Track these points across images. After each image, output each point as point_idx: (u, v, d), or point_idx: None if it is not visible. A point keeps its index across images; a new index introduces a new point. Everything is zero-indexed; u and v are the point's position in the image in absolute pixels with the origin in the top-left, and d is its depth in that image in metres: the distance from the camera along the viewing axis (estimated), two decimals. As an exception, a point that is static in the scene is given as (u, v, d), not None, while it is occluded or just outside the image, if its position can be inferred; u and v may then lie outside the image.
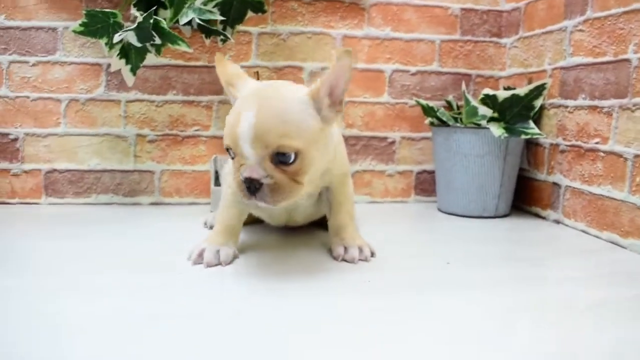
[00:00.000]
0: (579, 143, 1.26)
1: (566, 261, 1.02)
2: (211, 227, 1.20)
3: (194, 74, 1.47)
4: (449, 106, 1.55)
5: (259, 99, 0.84)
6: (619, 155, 1.13)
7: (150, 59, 1.27)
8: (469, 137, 1.35)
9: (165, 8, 1.25)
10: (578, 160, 1.26)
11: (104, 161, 1.46)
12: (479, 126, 1.35)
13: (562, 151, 1.32)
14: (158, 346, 0.62)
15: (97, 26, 1.22)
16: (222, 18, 1.30)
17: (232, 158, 0.88)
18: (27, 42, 1.41)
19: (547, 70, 1.39)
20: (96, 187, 1.46)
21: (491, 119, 1.34)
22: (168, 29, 1.20)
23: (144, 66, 1.39)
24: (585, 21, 1.24)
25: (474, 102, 1.36)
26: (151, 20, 1.16)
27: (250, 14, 1.36)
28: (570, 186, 1.29)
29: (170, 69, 1.46)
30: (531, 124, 1.33)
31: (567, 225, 1.29)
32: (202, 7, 1.24)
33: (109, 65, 1.43)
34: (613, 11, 1.16)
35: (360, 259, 0.98)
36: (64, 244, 1.06)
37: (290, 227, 1.19)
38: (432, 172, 1.59)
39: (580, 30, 1.26)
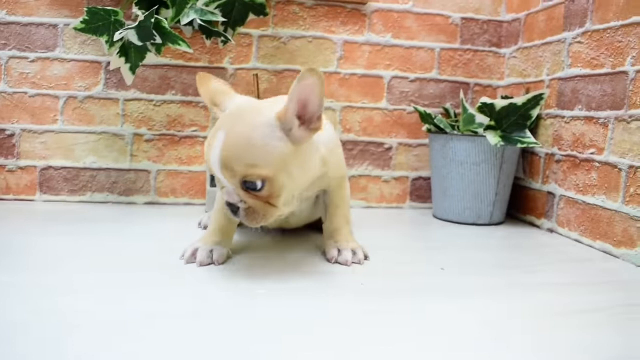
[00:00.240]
0: (574, 153, 1.26)
1: (559, 269, 1.03)
2: (205, 228, 1.20)
3: (194, 75, 1.47)
4: (446, 114, 1.56)
5: (227, 126, 0.83)
6: (614, 166, 1.14)
7: (150, 58, 1.27)
8: (465, 144, 1.36)
9: (167, 8, 1.25)
10: (573, 170, 1.26)
11: (100, 159, 1.46)
12: (475, 134, 1.36)
13: (558, 161, 1.32)
14: (150, 344, 0.62)
15: (98, 24, 1.22)
16: (224, 20, 1.30)
17: None
18: (27, 38, 1.41)
19: (545, 80, 1.40)
20: (92, 186, 1.46)
21: (488, 128, 1.35)
22: (169, 29, 1.20)
23: (143, 65, 1.40)
24: (584, 33, 1.25)
25: (472, 110, 1.36)
26: (152, 20, 1.17)
27: (251, 16, 1.37)
28: (564, 196, 1.29)
29: (170, 69, 1.47)
30: (528, 133, 1.34)
31: (560, 235, 1.30)
32: (204, 8, 1.24)
33: (108, 64, 1.43)
34: (612, 24, 1.17)
35: (353, 262, 0.98)
36: (58, 242, 1.06)
37: (285, 229, 1.19)
38: (428, 179, 1.60)
39: (579, 42, 1.27)
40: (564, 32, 1.33)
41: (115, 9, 1.21)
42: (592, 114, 1.21)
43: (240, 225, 1.13)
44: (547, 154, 1.37)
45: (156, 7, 1.21)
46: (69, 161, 1.45)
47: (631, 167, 1.09)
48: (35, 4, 1.40)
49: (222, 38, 1.33)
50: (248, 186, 0.82)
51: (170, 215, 1.36)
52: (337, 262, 0.99)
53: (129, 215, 1.34)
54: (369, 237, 1.16)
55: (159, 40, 1.21)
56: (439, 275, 0.95)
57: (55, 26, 1.42)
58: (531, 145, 1.33)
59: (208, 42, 1.37)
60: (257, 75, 1.36)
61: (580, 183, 1.24)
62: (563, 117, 1.31)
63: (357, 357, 0.61)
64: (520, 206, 1.49)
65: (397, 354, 0.63)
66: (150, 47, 1.25)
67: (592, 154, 1.21)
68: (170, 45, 1.23)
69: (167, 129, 1.47)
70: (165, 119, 1.47)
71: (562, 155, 1.31)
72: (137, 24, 1.17)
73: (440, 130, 1.42)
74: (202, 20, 1.25)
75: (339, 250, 1.00)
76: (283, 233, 1.19)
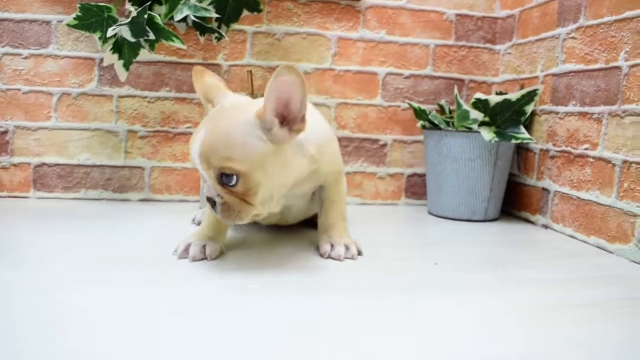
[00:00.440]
0: (568, 149, 1.26)
1: (553, 265, 1.02)
2: (199, 224, 1.20)
3: (188, 71, 1.47)
4: (441, 110, 1.55)
5: (210, 121, 0.85)
6: (608, 161, 1.14)
7: (144, 55, 1.27)
8: (460, 140, 1.36)
9: (160, 4, 1.25)
10: (567, 166, 1.26)
11: (94, 156, 1.45)
12: (470, 130, 1.36)
13: (552, 157, 1.32)
14: (143, 339, 0.62)
15: (91, 20, 1.22)
16: (217, 16, 1.30)
17: None
18: (20, 35, 1.41)
19: (539, 76, 1.40)
20: (85, 182, 1.46)
21: (482, 123, 1.35)
22: (162, 25, 1.20)
23: (137, 62, 1.39)
24: (577, 29, 1.25)
25: (466, 106, 1.36)
26: (145, 16, 1.16)
27: (245, 12, 1.36)
28: (559, 191, 1.29)
29: (164, 65, 1.46)
30: (522, 129, 1.34)
31: (555, 230, 1.30)
32: (197, 4, 1.24)
33: (102, 60, 1.42)
34: (605, 19, 1.17)
35: (346, 257, 0.98)
36: (51, 238, 1.05)
37: (281, 226, 1.19)
38: (422, 176, 1.60)
39: (573, 38, 1.27)
40: (558, 27, 1.33)
41: (108, 5, 1.21)
42: (585, 109, 1.21)
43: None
44: (541, 150, 1.37)
45: (149, 3, 1.21)
46: (62, 158, 1.44)
47: (625, 162, 1.09)
48: (28, 0, 1.40)
49: (216, 34, 1.32)
50: (224, 181, 0.83)
51: (164, 212, 1.36)
52: (329, 257, 0.98)
53: (123, 212, 1.34)
54: (363, 233, 1.16)
55: (152, 36, 1.20)
56: (433, 271, 0.95)
57: (48, 22, 1.41)
58: (525, 141, 1.33)
59: (202, 39, 1.36)
60: (251, 71, 1.36)
61: (575, 178, 1.24)
62: (557, 113, 1.31)
63: (351, 352, 0.61)
64: (514, 202, 1.49)
65: (391, 349, 0.63)
66: (143, 43, 1.25)
67: (586, 149, 1.21)
68: (164, 41, 1.22)
69: (161, 125, 1.47)
70: (159, 116, 1.47)
71: (557, 151, 1.31)
72: (130, 19, 1.17)
73: (435, 126, 1.42)
74: (195, 16, 1.25)
75: (332, 245, 0.99)
76: (278, 229, 1.19)
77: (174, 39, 1.21)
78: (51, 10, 1.41)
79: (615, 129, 1.12)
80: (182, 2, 1.23)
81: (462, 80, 1.60)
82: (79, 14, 1.20)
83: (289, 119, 0.85)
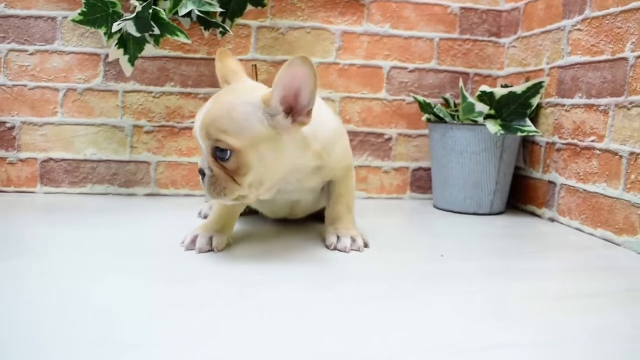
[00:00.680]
0: (574, 141, 1.26)
1: (560, 256, 1.02)
2: (205, 217, 1.20)
3: (192, 66, 1.47)
4: (446, 104, 1.55)
5: (218, 96, 0.87)
6: (614, 153, 1.13)
7: (149, 50, 1.27)
8: (465, 133, 1.36)
9: (164, -2, 1.25)
10: (574, 159, 1.26)
11: (100, 151, 1.46)
12: (475, 123, 1.35)
13: (558, 149, 1.32)
14: (149, 331, 0.62)
15: (96, 15, 1.22)
16: (222, 10, 1.30)
17: None
18: (26, 31, 1.41)
19: (544, 69, 1.39)
20: (92, 177, 1.46)
21: (488, 116, 1.34)
22: (167, 20, 1.20)
23: (142, 57, 1.39)
24: (583, 20, 1.25)
25: (471, 99, 1.36)
26: (150, 11, 1.17)
27: (249, 7, 1.37)
28: (565, 184, 1.29)
29: (169, 60, 1.46)
30: (528, 121, 1.34)
31: (561, 223, 1.30)
32: (201, -2, 1.24)
33: (107, 56, 1.43)
34: (611, 10, 1.16)
35: (352, 249, 0.98)
36: (58, 232, 1.06)
37: (289, 219, 1.19)
38: (428, 169, 1.60)
39: (579, 30, 1.26)
40: (563, 19, 1.32)
41: (113, 0, 1.21)
42: (592, 101, 1.21)
43: (242, 214, 1.13)
44: (547, 143, 1.37)
45: (154, -3, 1.21)
46: (69, 153, 1.45)
47: (632, 153, 1.09)
48: (34, -4, 1.40)
49: (220, 29, 1.33)
50: (218, 154, 0.84)
51: (170, 206, 1.36)
52: (335, 248, 0.98)
53: (129, 206, 1.34)
54: (369, 227, 1.16)
55: (157, 31, 1.21)
56: (439, 262, 0.95)
57: (53, 19, 1.42)
58: (531, 134, 1.32)
59: (206, 33, 1.37)
60: (255, 65, 1.36)
61: (581, 171, 1.24)
62: (563, 105, 1.31)
63: (359, 341, 0.61)
64: (520, 196, 1.49)
65: (398, 336, 0.63)
66: (148, 38, 1.25)
67: (592, 141, 1.20)
68: (169, 36, 1.23)
69: (166, 120, 1.47)
70: (164, 111, 1.47)
71: (563, 144, 1.30)
72: (135, 15, 1.17)
73: (440, 120, 1.42)
74: (199, 11, 1.25)
75: (338, 237, 0.99)
76: (285, 222, 1.19)
77: (178, 33, 1.22)
78: (56, 7, 1.41)
79: (622, 121, 1.12)
80: (186, -4, 1.23)
81: (466, 74, 1.60)
82: (84, 9, 1.21)
83: (295, 110, 0.85)
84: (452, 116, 1.43)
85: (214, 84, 1.47)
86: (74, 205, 1.32)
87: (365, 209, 1.42)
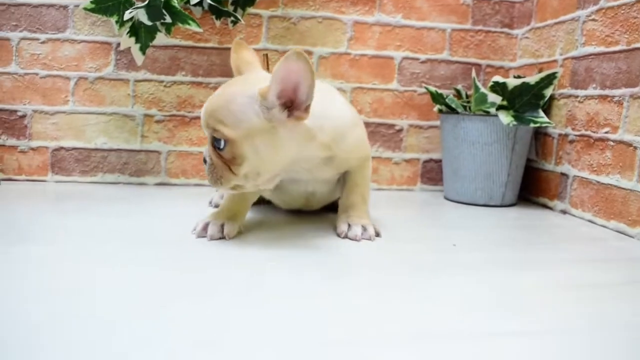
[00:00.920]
0: (588, 133, 1.25)
1: (572, 248, 1.02)
2: (216, 206, 1.21)
3: (204, 56, 1.47)
4: (457, 95, 1.54)
5: (223, 88, 0.90)
6: (629, 145, 1.12)
7: (160, 39, 1.27)
8: (477, 124, 1.35)
9: (176, -14, 1.25)
10: (587, 150, 1.25)
11: (111, 140, 1.46)
12: (487, 114, 1.34)
13: (571, 141, 1.31)
14: (161, 319, 0.62)
15: (108, 4, 1.22)
16: (233, -1, 1.30)
17: None
18: (37, 19, 1.41)
19: (558, 60, 1.38)
20: (102, 166, 1.47)
21: (500, 107, 1.33)
22: (179, 8, 1.20)
23: (153, 46, 1.39)
24: (598, 10, 1.23)
25: (484, 90, 1.35)
26: (162, -2, 1.16)
27: (261, -4, 1.36)
28: (578, 176, 1.28)
29: (180, 49, 1.46)
30: (540, 112, 1.33)
31: (574, 215, 1.29)
32: (213, -14, 1.23)
33: (118, 45, 1.43)
34: (627, 0, 1.15)
35: (364, 238, 0.98)
36: (69, 221, 1.06)
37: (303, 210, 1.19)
38: (438, 161, 1.59)
39: (593, 20, 1.25)
40: (578, 10, 1.31)
41: (125, -12, 1.21)
42: (606, 92, 1.20)
43: (256, 204, 1.13)
44: (560, 135, 1.36)
45: (166, -15, 1.20)
46: (80, 142, 1.45)
47: (646, 144, 1.08)
48: (46, -16, 1.41)
49: (232, 18, 1.32)
50: (215, 143, 0.86)
51: (180, 196, 1.36)
52: (346, 236, 0.98)
53: (140, 195, 1.34)
54: (380, 218, 1.16)
55: (168, 19, 1.20)
56: (451, 252, 0.94)
57: (65, 7, 1.42)
58: (544, 125, 1.31)
59: (218, 23, 1.36)
60: (267, 55, 1.35)
61: (594, 163, 1.22)
62: (576, 97, 1.30)
63: (371, 329, 0.61)
64: (532, 188, 1.48)
65: (409, 323, 0.62)
66: (160, 26, 1.25)
67: (606, 132, 1.19)
68: (180, 24, 1.22)
69: (177, 109, 1.47)
70: (175, 100, 1.47)
71: (576, 135, 1.29)
72: (146, 3, 1.17)
73: (452, 110, 1.41)
74: (211, 0, 1.25)
75: (349, 225, 0.99)
76: (298, 212, 1.18)
77: (190, 22, 1.21)
78: (68, -5, 1.41)
79: (636, 112, 1.11)
80: (198, -15, 1.23)
81: (479, 65, 1.59)
82: (96, -3, 1.20)
83: (294, 105, 0.85)
84: (464, 107, 1.42)
85: (225, 73, 1.47)
86: (85, 194, 1.32)
87: (375, 200, 1.41)
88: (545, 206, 1.41)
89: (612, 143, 1.17)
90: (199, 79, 1.48)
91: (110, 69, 1.45)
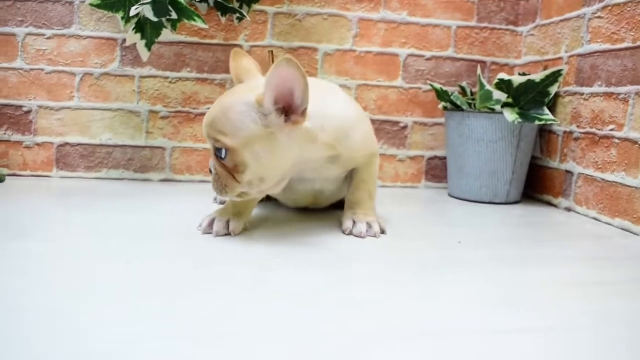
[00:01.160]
0: (593, 130, 1.25)
1: (577, 245, 1.02)
2: (221, 203, 1.21)
3: (209, 52, 1.47)
4: (462, 92, 1.54)
5: (222, 97, 0.91)
6: (634, 142, 1.12)
7: (166, 35, 1.27)
8: (482, 122, 1.35)
9: (182, -18, 1.25)
10: (592, 148, 1.25)
11: (115, 136, 1.47)
12: (492, 111, 1.34)
13: (576, 138, 1.31)
14: (166, 315, 0.63)
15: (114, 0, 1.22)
16: (238, -5, 1.30)
17: None
18: (43, 15, 1.41)
19: (563, 57, 1.38)
20: (107, 162, 1.47)
21: (505, 104, 1.33)
22: (184, 4, 1.20)
23: (158, 42, 1.40)
24: (604, 8, 1.23)
25: (489, 87, 1.35)
26: (168, -6, 1.16)
27: (266, -8, 1.36)
28: (582, 173, 1.28)
29: (185, 46, 1.46)
30: (545, 110, 1.32)
31: (578, 213, 1.29)
32: (218, -18, 1.24)
33: (124, 40, 1.43)
34: (633, -3, 1.14)
35: (369, 235, 0.98)
36: (74, 216, 1.07)
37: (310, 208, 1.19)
38: (443, 158, 1.59)
39: (599, 17, 1.25)
40: (583, 7, 1.30)
41: (131, -16, 1.21)
42: (611, 89, 1.19)
43: (262, 201, 1.13)
44: (564, 132, 1.36)
45: (171, -19, 1.20)
46: (85, 137, 1.46)
47: (651, 142, 1.08)
48: (51, -20, 1.41)
49: (237, 14, 1.32)
50: (217, 153, 0.87)
51: (185, 192, 1.36)
52: (351, 233, 0.98)
53: (144, 191, 1.34)
54: (384, 214, 1.16)
55: (174, 15, 1.21)
56: (457, 249, 0.94)
57: (71, 3, 1.42)
58: (549, 122, 1.31)
59: (223, 19, 1.36)
60: (272, 51, 1.35)
61: (599, 160, 1.22)
62: (582, 94, 1.29)
63: (377, 324, 0.61)
64: (536, 185, 1.48)
65: (414, 319, 0.63)
66: (165, 22, 1.25)
67: (611, 130, 1.19)
68: (186, 21, 1.22)
69: (182, 105, 1.48)
70: (180, 96, 1.47)
71: (581, 133, 1.29)
72: (152, -2, 1.17)
73: (457, 108, 1.41)
74: (217, -5, 1.25)
75: (354, 222, 0.99)
76: (304, 209, 1.18)
77: (196, 18, 1.21)
78: (74, -10, 1.42)
79: (642, 109, 1.11)
80: (204, -19, 1.23)
81: (484, 62, 1.58)
82: (102, -8, 1.21)
83: (291, 109, 0.86)
84: (469, 104, 1.42)
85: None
86: (89, 190, 1.32)
87: (380, 197, 1.41)
88: (549, 204, 1.41)
89: (617, 140, 1.17)
90: (204, 75, 1.48)
91: (115, 64, 1.45)
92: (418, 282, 0.76)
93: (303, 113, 0.85)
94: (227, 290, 0.69)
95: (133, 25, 1.24)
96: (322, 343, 0.55)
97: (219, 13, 1.35)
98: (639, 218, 1.10)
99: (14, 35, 1.41)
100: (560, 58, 1.39)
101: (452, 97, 1.41)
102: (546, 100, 1.33)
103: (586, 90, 1.28)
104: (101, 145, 1.46)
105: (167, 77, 1.47)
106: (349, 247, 0.92)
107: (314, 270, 0.79)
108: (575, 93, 1.32)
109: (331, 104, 0.96)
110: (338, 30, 1.51)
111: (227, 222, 0.95)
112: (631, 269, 0.87)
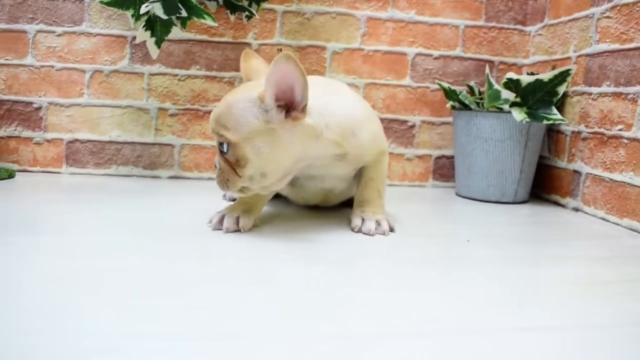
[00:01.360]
0: (601, 130, 1.25)
1: (585, 244, 1.02)
2: (230, 200, 1.21)
3: (218, 50, 1.48)
4: (470, 91, 1.54)
5: (228, 95, 0.93)
6: (643, 142, 1.12)
7: (175, 33, 1.28)
8: (490, 121, 1.35)
9: (192, -19, 1.25)
10: (600, 148, 1.25)
11: (125, 133, 1.47)
12: (500, 110, 1.34)
13: (584, 138, 1.31)
14: (175, 310, 0.63)
15: (124, -3, 1.23)
16: (248, -7, 1.30)
17: None
18: (54, 12, 1.42)
19: (571, 57, 1.38)
20: (116, 159, 1.48)
21: (513, 104, 1.33)
22: (194, 2, 1.20)
23: (168, 40, 1.40)
24: (613, 8, 1.23)
25: (497, 86, 1.35)
26: (178, -8, 1.17)
27: (275, -9, 1.37)
28: (591, 173, 1.28)
29: (195, 44, 1.47)
30: (554, 109, 1.33)
31: (586, 213, 1.29)
32: (229, -19, 1.24)
33: (133, 38, 1.44)
34: (643, -3, 1.14)
35: (377, 233, 0.98)
36: (83, 212, 1.07)
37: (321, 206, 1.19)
38: (450, 158, 1.59)
39: (608, 17, 1.25)
40: (592, 7, 1.30)
41: (142, -18, 1.22)
42: (620, 89, 1.20)
43: (272, 198, 1.13)
44: (573, 132, 1.36)
45: (182, -21, 1.21)
46: (94, 134, 1.46)
47: (660, 142, 1.08)
48: (62, -23, 1.42)
49: (246, 13, 1.33)
50: (221, 148, 0.89)
51: (193, 189, 1.37)
52: (360, 231, 0.99)
53: (153, 188, 1.35)
54: (392, 213, 1.16)
55: (184, 13, 1.21)
56: (465, 247, 0.95)
57: (81, 0, 1.43)
58: (557, 122, 1.31)
59: (232, 17, 1.37)
60: (281, 50, 1.36)
61: (608, 160, 1.22)
62: (590, 94, 1.29)
63: (384, 320, 0.62)
64: (544, 185, 1.48)
65: (423, 317, 0.63)
66: (175, 20, 1.26)
67: (620, 130, 1.19)
68: (196, 19, 1.23)
69: (191, 103, 1.48)
70: (189, 94, 1.48)
71: (589, 133, 1.29)
72: (163, -4, 1.17)
73: (465, 107, 1.41)
74: (227, -7, 1.25)
75: (363, 220, 1.00)
76: (315, 207, 1.19)
77: (205, 16, 1.22)
78: (84, -12, 1.42)
79: (651, 109, 1.11)
80: (214, -21, 1.23)
81: (492, 62, 1.59)
82: (113, -10, 1.21)
83: (293, 106, 0.86)
84: (477, 104, 1.42)
85: (239, 68, 1.47)
86: (98, 187, 1.33)
87: (387, 196, 1.41)
88: (557, 203, 1.41)
89: (625, 141, 1.17)
90: (213, 73, 1.48)
91: (125, 62, 1.46)
92: (426, 281, 0.76)
93: (303, 109, 0.86)
94: (237, 286, 0.69)
95: (143, 23, 1.25)
96: (329, 339, 0.56)
97: (228, 11, 1.35)
98: (647, 218, 1.10)
99: (25, 32, 1.42)
100: (568, 58, 1.39)
101: (460, 96, 1.41)
102: (555, 100, 1.33)
103: (595, 90, 1.28)
104: (110, 142, 1.47)
105: (176, 75, 1.47)
106: (358, 245, 0.92)
107: (323, 267, 0.79)
108: (583, 93, 1.32)
109: (336, 101, 0.96)
110: (346, 29, 1.51)
111: (237, 219, 0.95)
112: (637, 268, 0.87)
